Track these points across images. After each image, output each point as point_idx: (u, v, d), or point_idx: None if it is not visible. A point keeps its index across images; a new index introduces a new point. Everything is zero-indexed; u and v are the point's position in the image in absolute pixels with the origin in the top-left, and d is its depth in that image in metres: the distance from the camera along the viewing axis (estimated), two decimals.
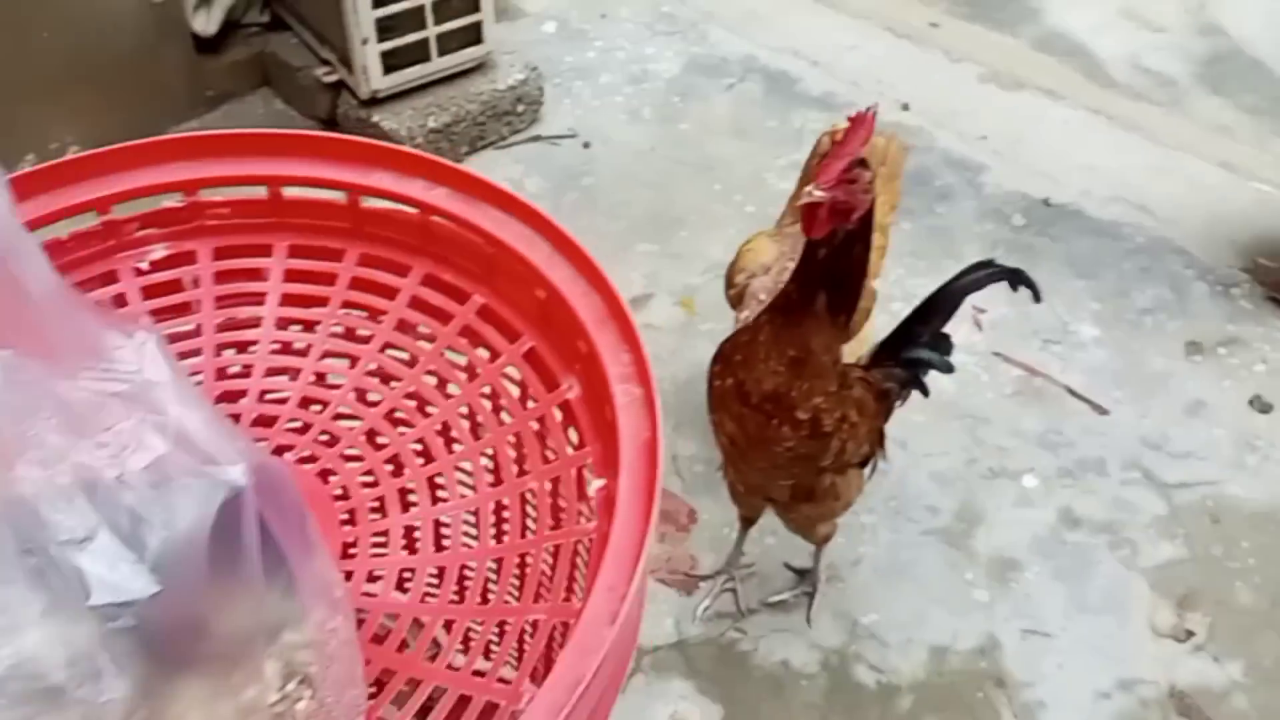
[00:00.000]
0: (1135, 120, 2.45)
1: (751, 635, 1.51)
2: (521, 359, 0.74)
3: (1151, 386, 1.87)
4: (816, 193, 1.01)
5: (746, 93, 2.49)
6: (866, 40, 2.60)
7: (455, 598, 0.68)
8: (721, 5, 2.79)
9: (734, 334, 1.25)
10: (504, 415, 0.76)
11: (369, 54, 2.07)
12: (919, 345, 1.30)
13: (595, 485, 0.65)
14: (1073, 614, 1.54)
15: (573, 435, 0.70)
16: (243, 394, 0.78)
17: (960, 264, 2.15)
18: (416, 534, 0.71)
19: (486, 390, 0.75)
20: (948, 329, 1.34)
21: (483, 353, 0.76)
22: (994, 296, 2.00)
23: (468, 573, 0.70)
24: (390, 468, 0.74)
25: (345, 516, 0.71)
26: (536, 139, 2.37)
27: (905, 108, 2.44)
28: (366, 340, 0.80)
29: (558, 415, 0.72)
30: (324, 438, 0.75)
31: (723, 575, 1.54)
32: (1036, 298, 1.31)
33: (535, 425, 0.73)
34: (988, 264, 1.32)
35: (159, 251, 0.82)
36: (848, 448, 1.25)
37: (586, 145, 2.36)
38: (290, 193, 0.82)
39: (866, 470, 1.38)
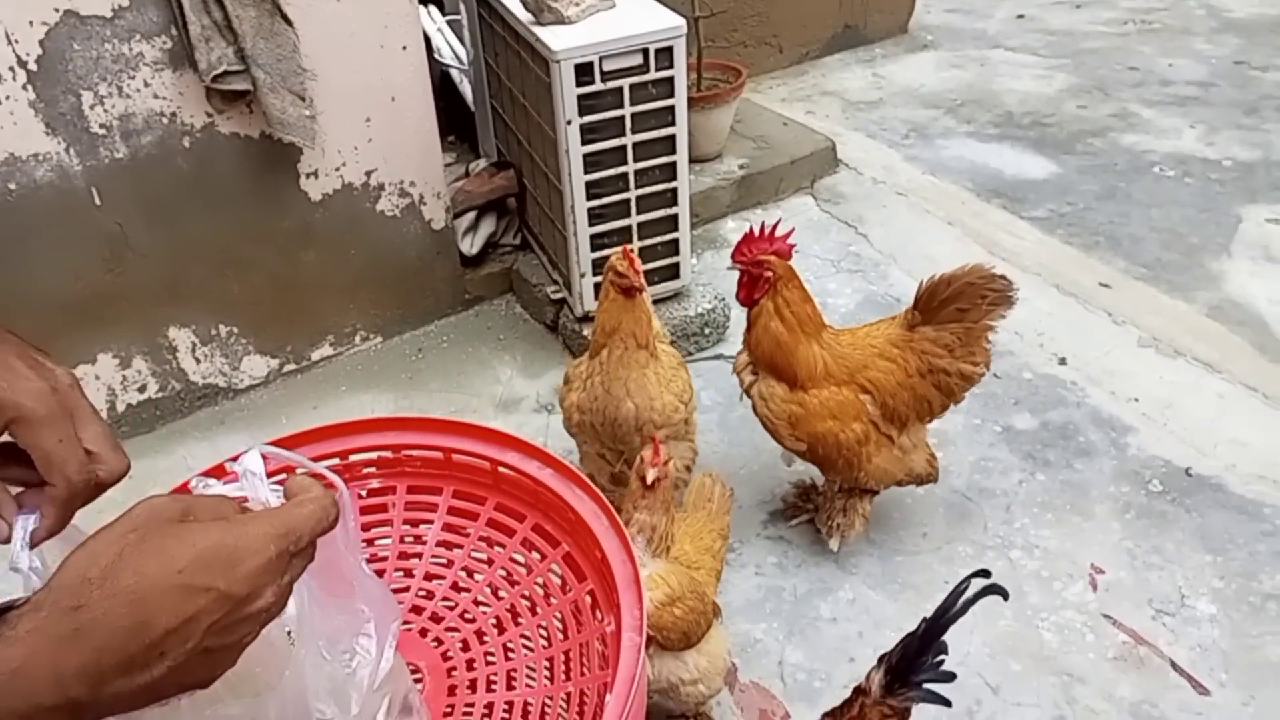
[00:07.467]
0: None
1: None
2: (560, 560, 1.09)
3: (1263, 675, 1.86)
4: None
5: None
6: (1034, 295, 2.78)
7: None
8: (900, 250, 3.11)
9: None
10: (552, 599, 1.09)
11: (585, 284, 2.56)
12: (924, 670, 1.38)
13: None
14: None
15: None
16: (411, 575, 1.17)
17: (1088, 521, 2.28)
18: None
19: (539, 581, 1.11)
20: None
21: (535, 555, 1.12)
22: (1116, 558, 2.11)
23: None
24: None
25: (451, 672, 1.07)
26: (718, 357, 2.74)
27: (1062, 361, 2.62)
28: (460, 546, 1.16)
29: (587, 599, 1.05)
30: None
31: None
32: (1005, 597, 1.37)
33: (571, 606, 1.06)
34: (966, 585, 1.37)
35: (374, 483, 1.24)
36: None
37: None
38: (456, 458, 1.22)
39: None
